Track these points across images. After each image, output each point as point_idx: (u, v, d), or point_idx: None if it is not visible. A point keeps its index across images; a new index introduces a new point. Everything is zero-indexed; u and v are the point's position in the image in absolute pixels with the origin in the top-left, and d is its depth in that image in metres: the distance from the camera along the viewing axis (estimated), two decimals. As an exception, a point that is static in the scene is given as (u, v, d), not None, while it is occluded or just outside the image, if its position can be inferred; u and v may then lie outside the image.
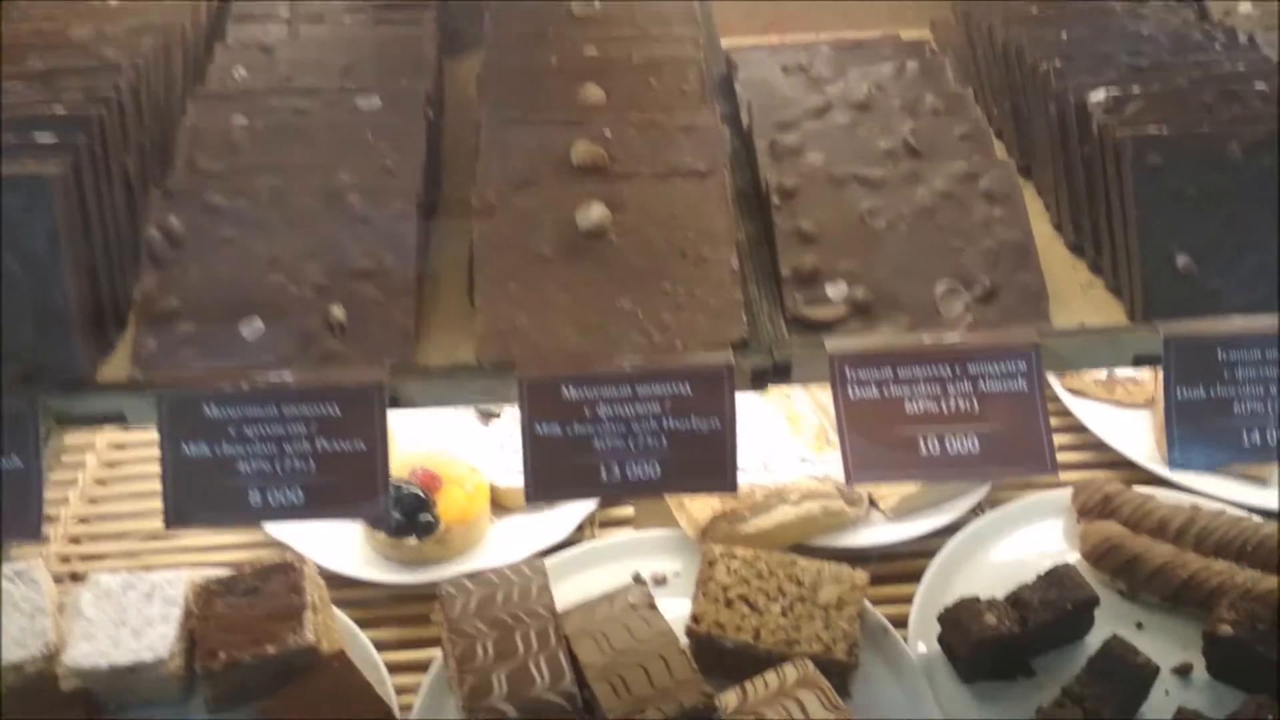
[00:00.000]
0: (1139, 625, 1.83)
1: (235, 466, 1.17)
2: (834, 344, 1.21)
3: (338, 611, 1.86)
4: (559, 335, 1.21)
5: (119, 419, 1.20)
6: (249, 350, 1.20)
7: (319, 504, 1.18)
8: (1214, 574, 1.80)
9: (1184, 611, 1.82)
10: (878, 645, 1.80)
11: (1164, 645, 1.78)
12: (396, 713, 1.70)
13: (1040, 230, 1.37)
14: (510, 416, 2.10)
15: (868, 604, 1.83)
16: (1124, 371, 2.21)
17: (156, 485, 1.15)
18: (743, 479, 1.92)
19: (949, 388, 1.21)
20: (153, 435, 1.15)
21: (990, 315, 1.25)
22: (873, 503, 2.03)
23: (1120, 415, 2.21)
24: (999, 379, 1.21)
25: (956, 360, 1.21)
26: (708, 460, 1.20)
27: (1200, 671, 1.76)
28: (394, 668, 1.80)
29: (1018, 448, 1.21)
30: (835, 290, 1.26)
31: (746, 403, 2.10)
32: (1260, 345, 1.22)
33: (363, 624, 1.86)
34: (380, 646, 1.83)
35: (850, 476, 1.18)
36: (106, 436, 2.25)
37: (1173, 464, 1.22)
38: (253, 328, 1.21)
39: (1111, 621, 1.82)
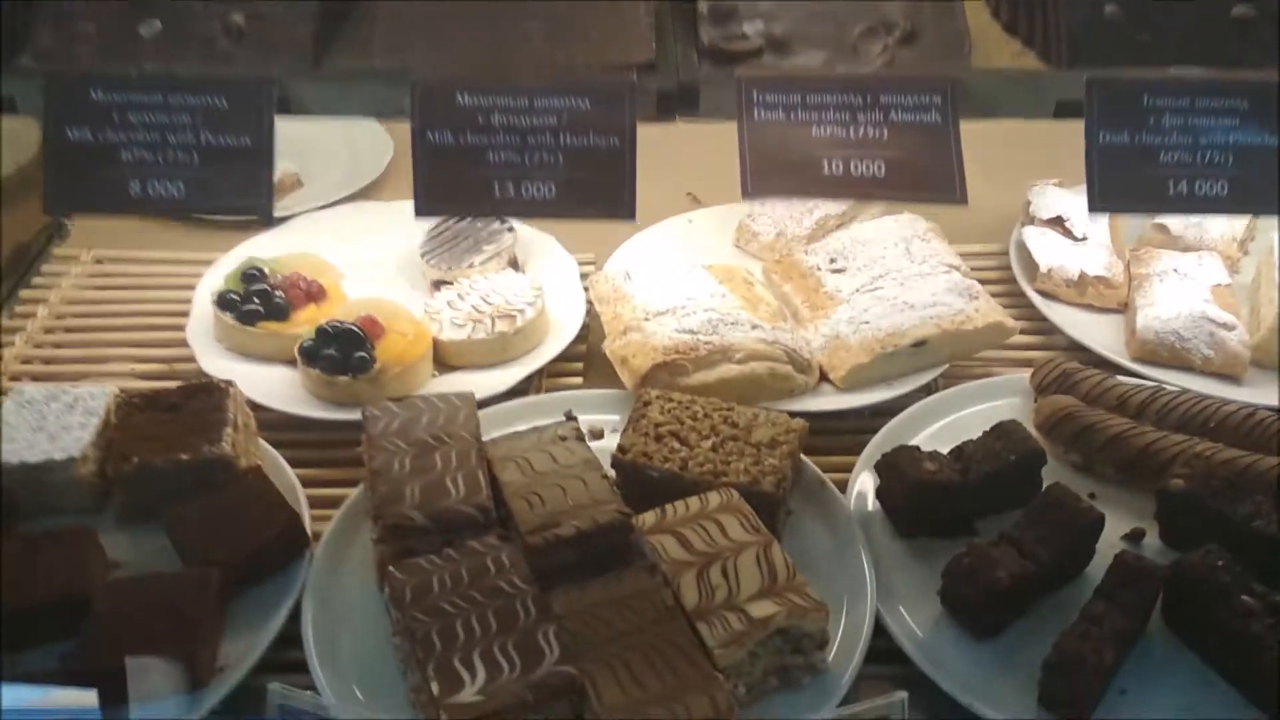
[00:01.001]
0: (1092, 496, 1.74)
1: (118, 155, 1.14)
2: (744, 70, 1.17)
3: (264, 443, 1.82)
4: (459, 48, 1.18)
5: (10, 106, 1.18)
6: (146, 51, 1.18)
7: (200, 197, 1.15)
8: (1171, 444, 1.72)
9: (1139, 485, 1.73)
10: (813, 497, 1.73)
11: (1117, 516, 1.69)
12: (309, 532, 1.65)
13: (977, 21, 1.34)
14: (465, 285, 2.06)
15: (806, 459, 1.76)
16: (1093, 270, 2.14)
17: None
18: (688, 337, 1.90)
19: (859, 116, 1.17)
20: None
21: (908, 57, 1.21)
22: (824, 376, 1.97)
23: (1092, 319, 2.14)
24: (911, 110, 1.17)
25: (869, 90, 1.17)
26: (605, 184, 1.16)
27: (1153, 539, 1.68)
28: (317, 502, 1.75)
29: (926, 176, 1.16)
30: (752, 26, 1.23)
31: (705, 286, 2.07)
32: (1188, 94, 1.17)
33: (292, 463, 1.81)
34: (306, 484, 1.78)
35: (747, 189, 1.14)
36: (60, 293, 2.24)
37: (1092, 207, 1.17)
38: (151, 28, 1.19)
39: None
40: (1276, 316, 1.99)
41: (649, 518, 1.56)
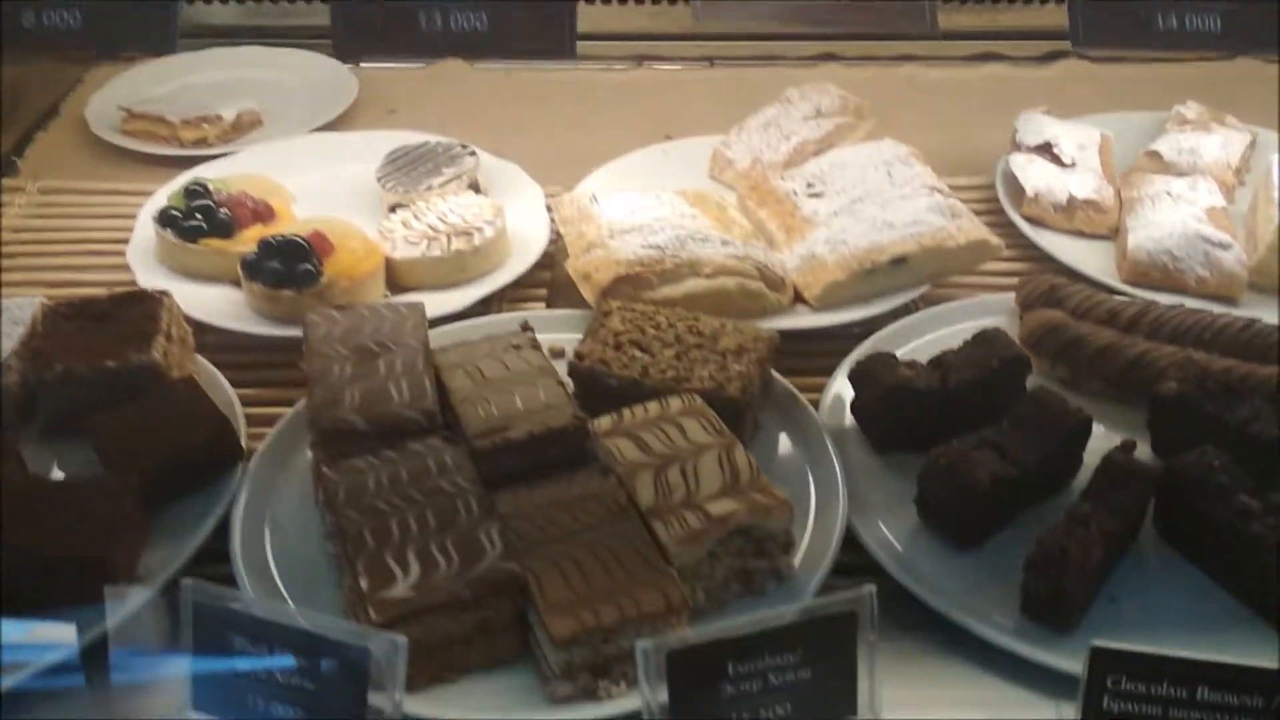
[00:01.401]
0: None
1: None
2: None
3: (202, 359, 1.71)
4: None
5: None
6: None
7: (98, 33, 1.04)
8: (1164, 355, 1.62)
9: (1130, 399, 1.63)
10: (784, 411, 1.62)
11: (1107, 432, 1.59)
12: (244, 444, 1.55)
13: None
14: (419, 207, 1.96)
15: (776, 374, 1.66)
16: (1082, 193, 2.04)
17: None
18: (655, 251, 1.80)
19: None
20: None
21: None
22: (799, 297, 1.87)
23: (1082, 245, 2.04)
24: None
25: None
26: (544, 16, 1.06)
27: (1146, 451, 1.57)
28: (258, 420, 1.64)
29: None
30: None
31: (675, 207, 1.97)
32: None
33: (234, 384, 1.70)
34: (248, 403, 1.67)
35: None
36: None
37: (1076, 43, 1.07)
38: None
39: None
40: (1276, 233, 1.89)
41: (605, 422, 1.45)
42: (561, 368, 1.61)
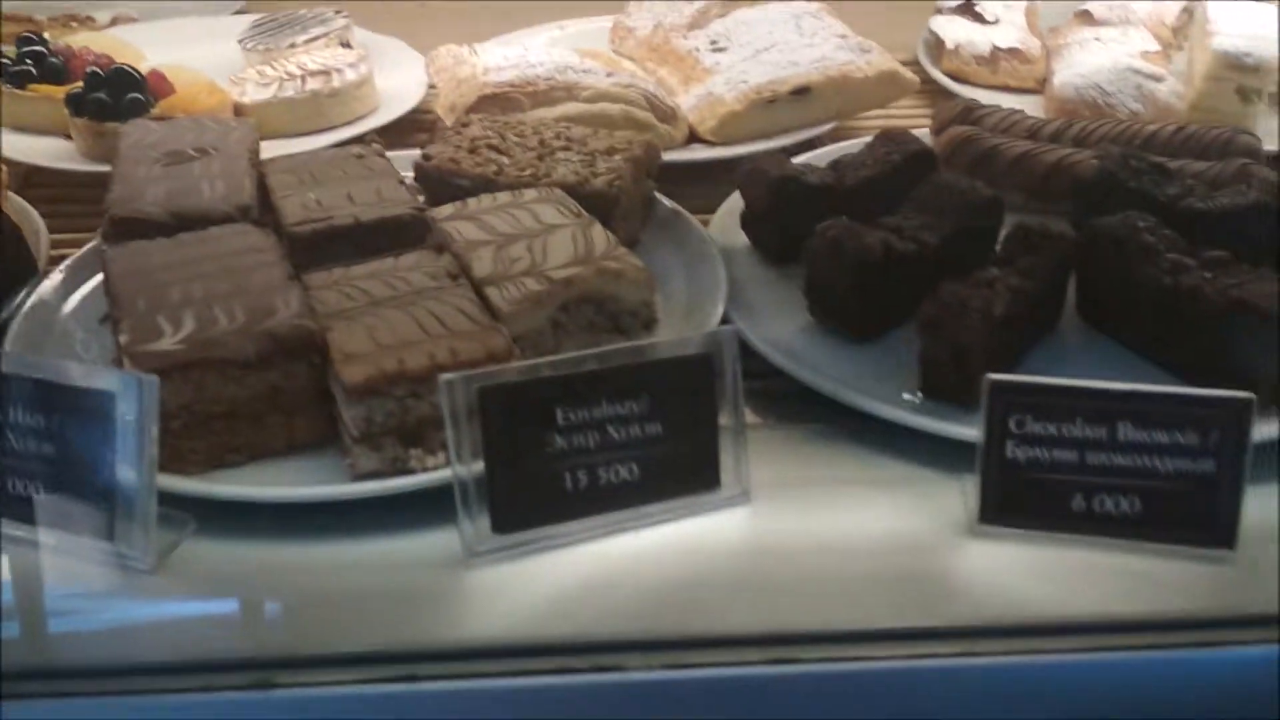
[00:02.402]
0: (999, 223, 1.47)
1: None
2: None
3: (14, 195, 1.52)
4: None
5: None
6: None
7: None
8: (1086, 158, 1.45)
9: (1053, 209, 1.43)
10: (668, 230, 1.43)
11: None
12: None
13: None
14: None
15: (662, 196, 1.47)
16: (1005, 43, 1.89)
17: None
18: (531, 73, 1.63)
19: None
20: None
21: None
22: (695, 137, 1.69)
23: (1008, 99, 1.86)
24: None
25: None
26: None
27: (1070, 256, 1.39)
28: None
29: None
30: None
31: (563, 53, 1.80)
32: None
33: (56, 229, 1.50)
34: (66, 245, 1.47)
35: None
36: None
37: None
38: None
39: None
40: (1211, 63, 1.73)
41: (447, 209, 1.27)
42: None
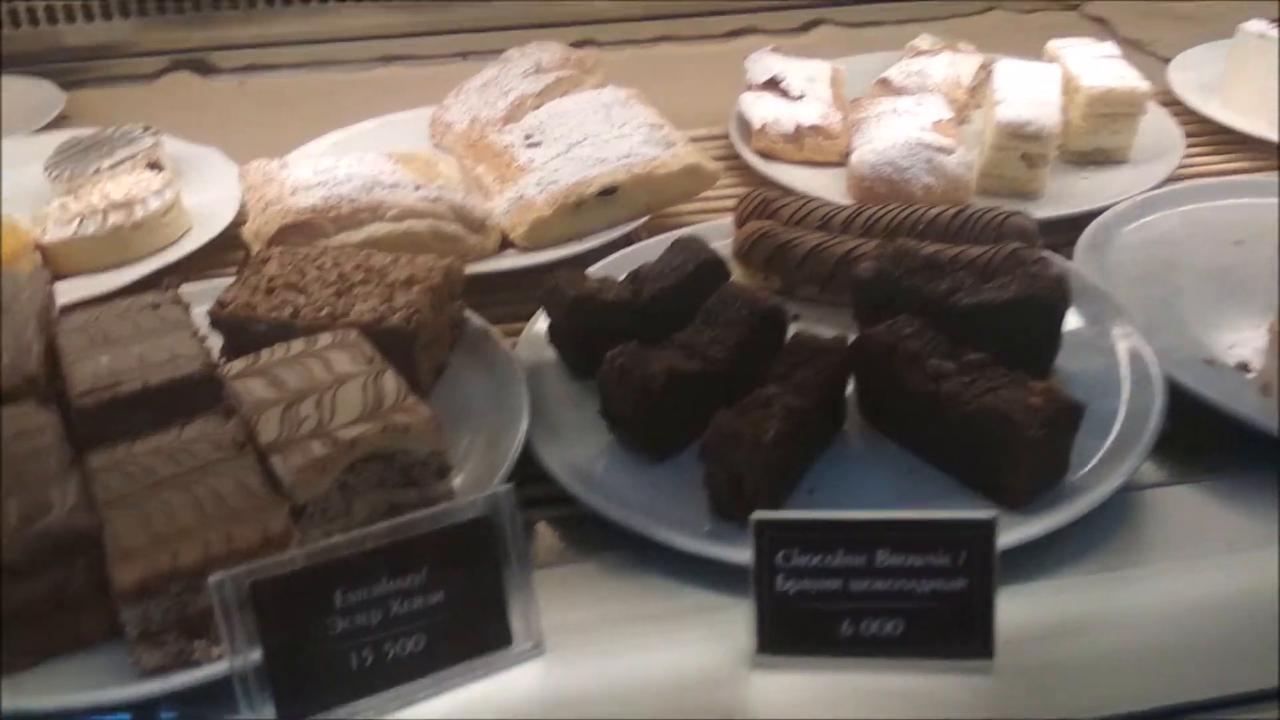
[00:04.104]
0: (795, 317, 1.53)
1: None
2: None
3: None
4: None
5: None
6: None
7: None
8: (869, 249, 1.51)
9: (844, 299, 1.51)
10: (477, 351, 1.46)
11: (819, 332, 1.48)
12: None
13: None
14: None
15: (474, 315, 1.50)
16: (809, 120, 1.96)
17: None
18: (333, 198, 1.63)
19: None
20: None
21: None
22: (508, 242, 1.72)
23: (814, 174, 1.95)
24: None
25: None
26: None
27: (858, 346, 1.46)
28: None
29: None
30: None
31: (375, 162, 1.81)
32: None
33: None
34: None
35: None
36: None
37: None
38: None
39: (766, 319, 1.53)
40: (996, 132, 1.83)
41: (238, 364, 1.26)
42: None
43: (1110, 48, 2.04)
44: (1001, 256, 1.45)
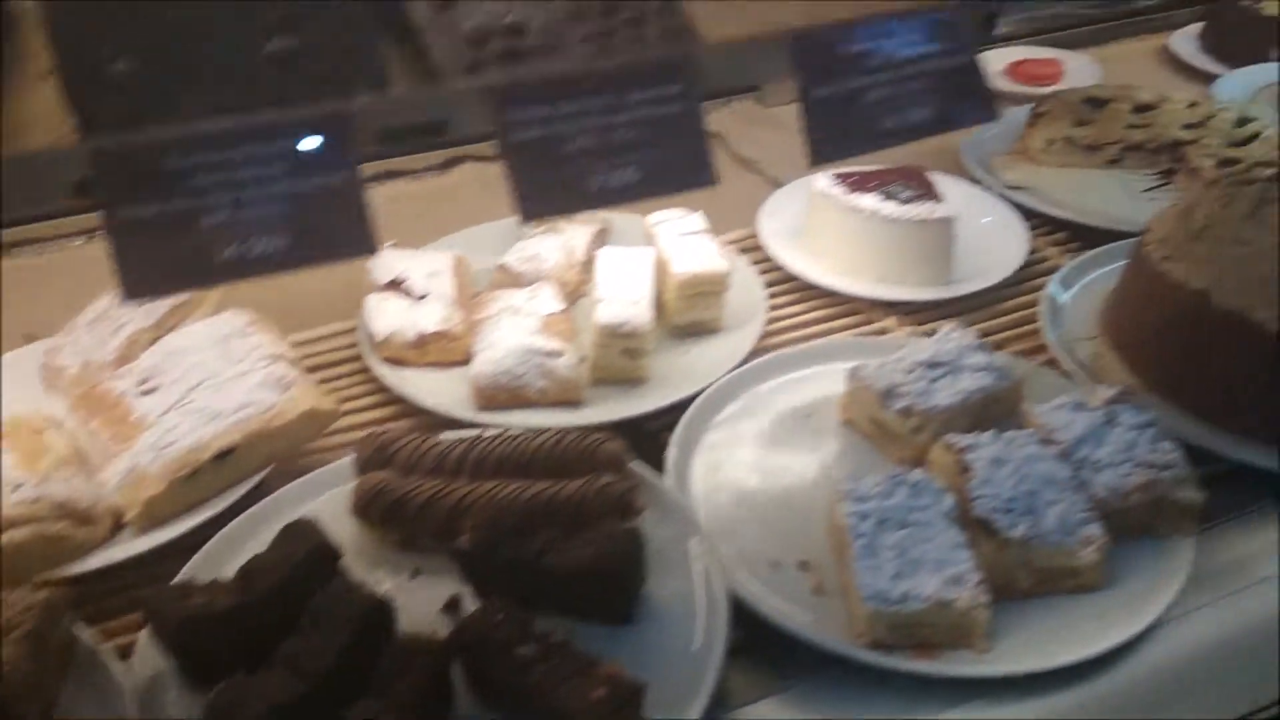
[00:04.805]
0: (415, 572, 1.62)
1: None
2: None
3: None
4: None
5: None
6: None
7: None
8: (481, 494, 1.62)
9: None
10: (86, 676, 1.45)
11: (441, 586, 1.58)
12: None
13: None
14: None
15: (83, 634, 1.48)
16: (430, 326, 2.05)
17: None
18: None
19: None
20: None
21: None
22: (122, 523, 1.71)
23: (443, 377, 2.04)
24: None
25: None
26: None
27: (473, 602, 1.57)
28: None
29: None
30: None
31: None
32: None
33: None
34: None
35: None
36: None
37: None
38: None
39: (390, 577, 1.62)
40: (597, 331, 1.98)
41: None
42: None
43: (697, 221, 2.24)
44: (593, 493, 1.59)
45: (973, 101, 1.24)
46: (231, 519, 1.69)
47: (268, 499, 1.73)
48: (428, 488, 1.65)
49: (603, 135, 1.08)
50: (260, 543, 1.56)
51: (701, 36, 1.14)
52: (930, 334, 1.98)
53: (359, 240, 1.04)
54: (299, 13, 1.04)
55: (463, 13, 1.11)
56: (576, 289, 2.24)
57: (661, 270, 2.15)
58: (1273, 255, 1.92)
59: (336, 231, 1.03)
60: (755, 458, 1.85)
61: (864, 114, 1.21)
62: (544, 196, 1.07)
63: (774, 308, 2.25)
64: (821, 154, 1.21)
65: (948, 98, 1.23)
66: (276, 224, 1.00)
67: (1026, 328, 2.15)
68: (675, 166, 1.12)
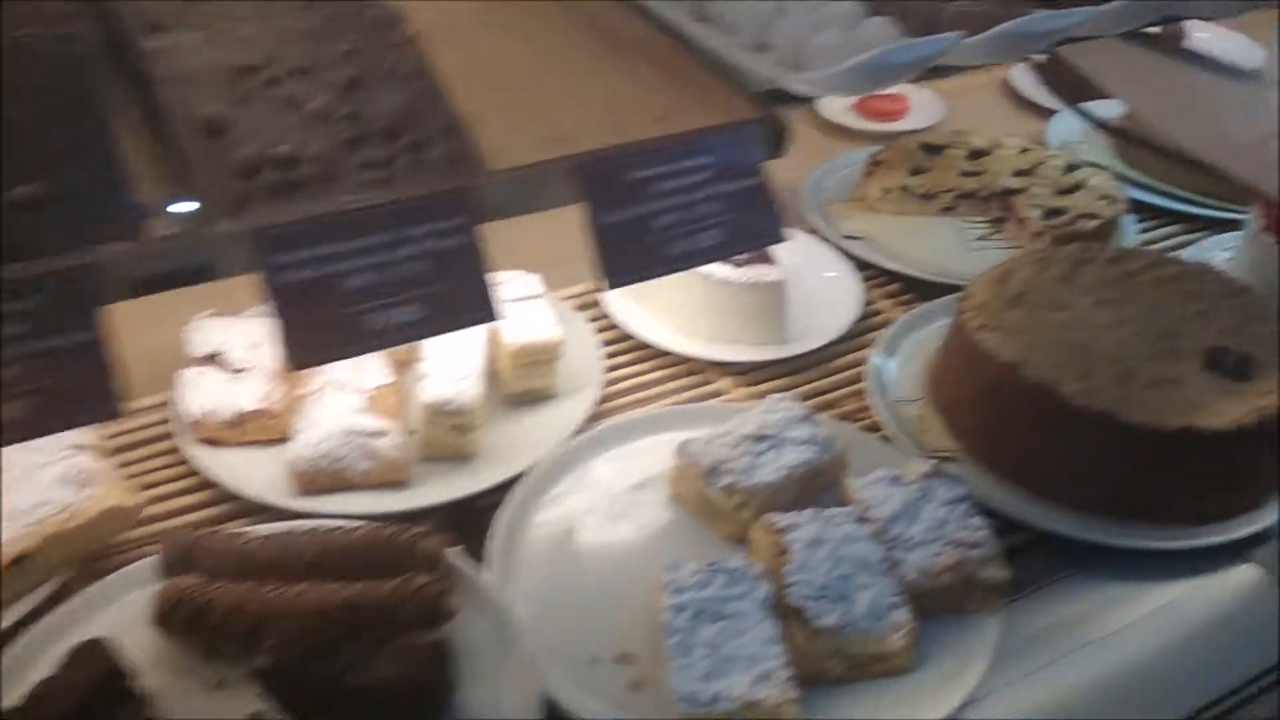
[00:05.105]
0: (220, 684, 1.55)
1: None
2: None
3: None
4: None
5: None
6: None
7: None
8: (287, 600, 1.57)
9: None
10: None
11: (243, 700, 1.52)
12: None
13: None
14: None
15: None
16: (249, 404, 1.97)
17: None
18: None
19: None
20: None
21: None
22: (-94, 636, 1.60)
23: (264, 457, 1.96)
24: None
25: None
26: None
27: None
28: None
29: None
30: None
31: None
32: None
33: None
34: None
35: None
36: None
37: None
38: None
39: (193, 689, 1.55)
40: (425, 410, 1.94)
41: None
42: None
43: (535, 284, 2.21)
44: (406, 596, 1.55)
45: (763, 224, 1.24)
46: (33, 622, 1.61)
47: (63, 607, 1.64)
48: (230, 597, 1.58)
49: (380, 272, 1.04)
50: (58, 654, 1.49)
51: (487, 162, 1.11)
52: (761, 396, 1.99)
53: (101, 401, 0.98)
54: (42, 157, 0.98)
55: (232, 141, 1.06)
56: (408, 356, 2.18)
57: (494, 338, 2.11)
58: (1086, 322, 1.99)
59: (79, 394, 0.96)
60: (583, 539, 1.83)
61: (654, 239, 1.19)
62: (314, 343, 1.02)
63: (613, 368, 2.23)
64: (615, 278, 1.20)
65: (739, 220, 1.23)
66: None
67: (858, 386, 2.17)
68: (459, 301, 1.08)
